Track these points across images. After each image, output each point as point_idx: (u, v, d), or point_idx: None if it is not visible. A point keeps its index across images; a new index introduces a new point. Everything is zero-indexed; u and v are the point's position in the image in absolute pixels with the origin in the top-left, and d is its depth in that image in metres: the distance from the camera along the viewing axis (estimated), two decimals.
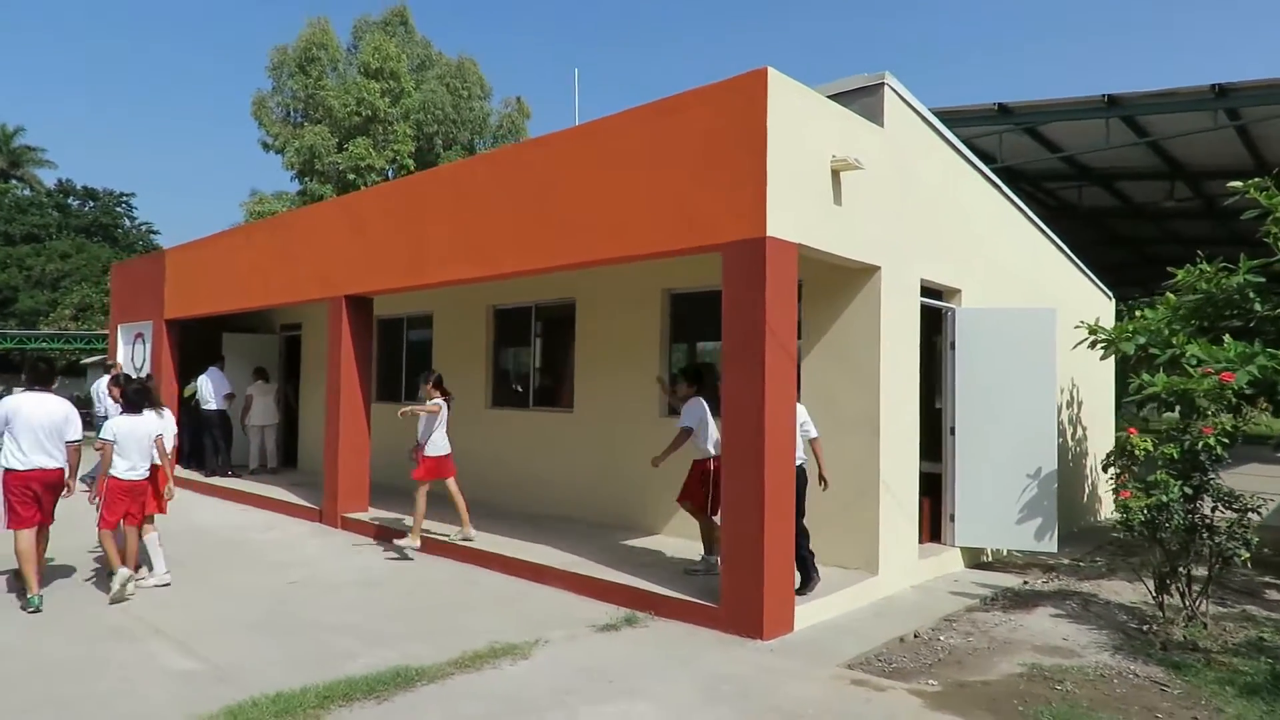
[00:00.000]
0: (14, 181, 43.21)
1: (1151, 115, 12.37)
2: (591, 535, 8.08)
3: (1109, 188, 16.48)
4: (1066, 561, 8.26)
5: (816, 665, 4.93)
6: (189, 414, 12.15)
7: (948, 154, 7.75)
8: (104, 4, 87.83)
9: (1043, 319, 7.70)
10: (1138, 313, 8.31)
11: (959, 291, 7.93)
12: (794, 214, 5.65)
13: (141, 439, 6.22)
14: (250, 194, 31.52)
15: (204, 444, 12.24)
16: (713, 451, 6.52)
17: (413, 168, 23.68)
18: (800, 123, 5.74)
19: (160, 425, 6.47)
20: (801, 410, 6.12)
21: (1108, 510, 11.86)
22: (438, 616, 5.86)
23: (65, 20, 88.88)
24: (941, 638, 5.60)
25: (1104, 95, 12.01)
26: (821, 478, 6.23)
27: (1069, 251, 10.81)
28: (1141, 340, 7.80)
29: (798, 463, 5.99)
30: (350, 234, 9.17)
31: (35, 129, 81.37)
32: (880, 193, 6.61)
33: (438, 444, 7.61)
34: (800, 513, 5.96)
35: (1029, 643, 5.52)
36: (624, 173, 6.29)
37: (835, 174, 6.07)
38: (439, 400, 7.55)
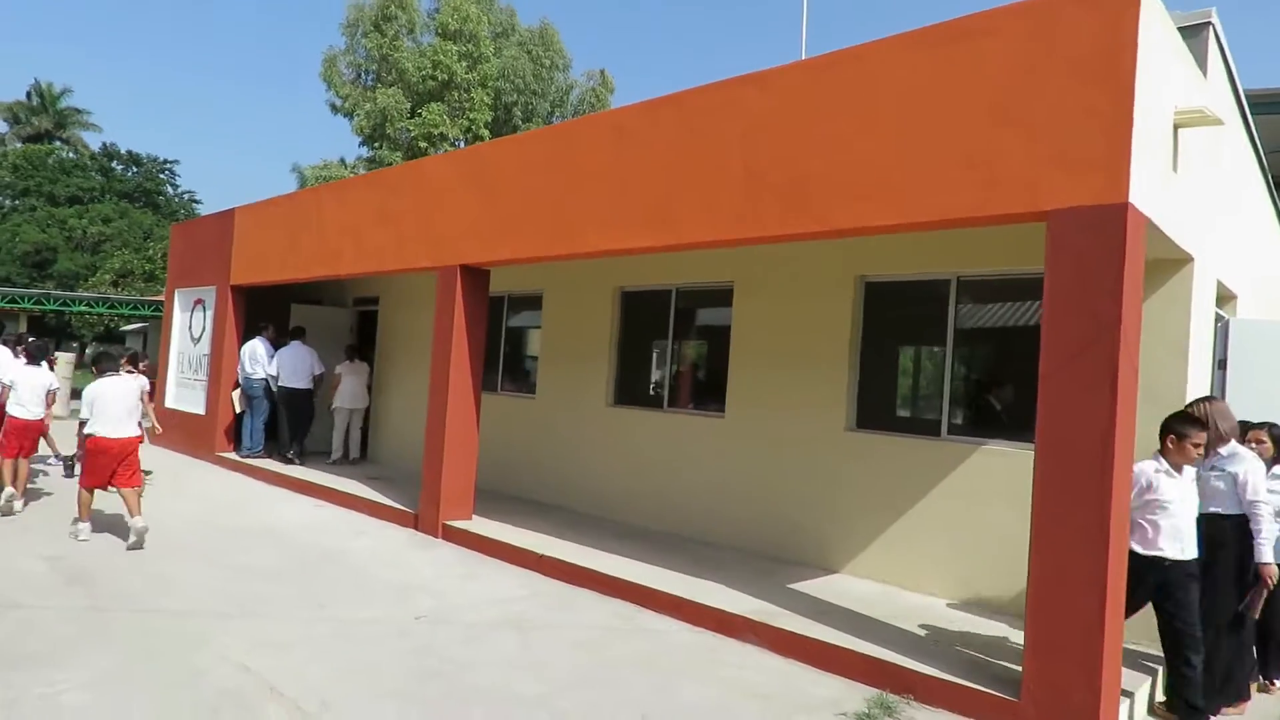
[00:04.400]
0: (59, 143, 42.52)
1: None
2: (754, 569, 6.65)
3: None
4: None
5: None
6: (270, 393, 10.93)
7: (1242, 127, 6.25)
8: None
9: None
10: None
11: (1235, 298, 6.43)
12: (1148, 177, 4.19)
13: (36, 388, 7.69)
14: (291, 168, 30.22)
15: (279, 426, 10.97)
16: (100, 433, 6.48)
17: (488, 139, 22.31)
18: (1159, 59, 4.27)
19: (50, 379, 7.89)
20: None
21: None
22: (633, 683, 4.45)
23: None
24: None
25: None
26: None
27: None
28: None
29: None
30: (471, 193, 7.77)
31: (82, 91, 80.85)
32: (1200, 163, 5.12)
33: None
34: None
35: None
36: (882, 118, 4.83)
37: (1175, 130, 4.61)
38: None
